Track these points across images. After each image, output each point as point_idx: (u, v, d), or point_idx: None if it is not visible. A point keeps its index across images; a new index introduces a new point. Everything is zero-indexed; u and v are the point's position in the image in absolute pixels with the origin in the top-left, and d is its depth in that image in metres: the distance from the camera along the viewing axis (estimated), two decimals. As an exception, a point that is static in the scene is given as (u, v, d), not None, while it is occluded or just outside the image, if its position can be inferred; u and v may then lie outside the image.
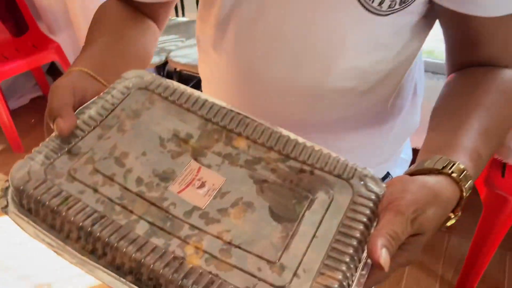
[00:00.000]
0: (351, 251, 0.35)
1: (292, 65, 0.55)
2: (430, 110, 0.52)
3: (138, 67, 0.48)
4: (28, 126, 2.10)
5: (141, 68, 0.47)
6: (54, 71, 2.31)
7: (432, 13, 0.52)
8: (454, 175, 0.39)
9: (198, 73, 0.70)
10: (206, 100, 0.44)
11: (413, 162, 0.45)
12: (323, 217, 0.38)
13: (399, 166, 0.71)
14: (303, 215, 0.38)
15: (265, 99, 0.59)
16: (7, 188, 0.37)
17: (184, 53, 1.77)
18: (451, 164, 0.39)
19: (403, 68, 0.59)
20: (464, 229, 1.34)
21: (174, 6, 0.65)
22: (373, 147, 0.65)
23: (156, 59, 1.75)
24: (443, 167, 0.39)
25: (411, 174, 0.41)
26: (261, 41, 0.55)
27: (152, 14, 0.62)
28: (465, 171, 0.39)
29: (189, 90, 0.45)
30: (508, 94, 0.49)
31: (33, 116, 2.16)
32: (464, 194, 0.39)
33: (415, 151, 0.60)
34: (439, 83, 1.35)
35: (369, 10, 0.49)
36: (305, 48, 0.53)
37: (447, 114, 0.49)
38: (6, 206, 0.37)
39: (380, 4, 0.48)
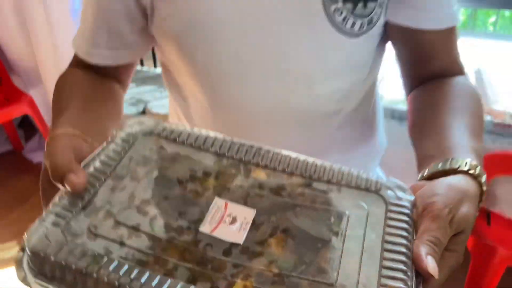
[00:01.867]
0: (403, 258, 0.34)
1: (277, 93, 0.56)
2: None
3: (115, 127, 0.46)
4: (-2, 181, 2.02)
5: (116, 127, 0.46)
6: (25, 125, 2.23)
7: (385, 35, 0.57)
8: (471, 171, 0.40)
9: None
10: (215, 137, 0.43)
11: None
12: (365, 231, 0.37)
13: None
14: (345, 233, 0.37)
15: (251, 129, 0.59)
16: (22, 257, 0.33)
17: (162, 103, 1.73)
18: (465, 162, 0.41)
19: (374, 85, 0.63)
20: (452, 282, 1.28)
21: (135, 67, 0.67)
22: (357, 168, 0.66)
23: (133, 110, 1.70)
24: (459, 166, 0.41)
25: (428, 178, 0.42)
26: (244, 73, 0.55)
27: (115, 76, 0.63)
28: (478, 167, 0.41)
29: (196, 129, 0.44)
30: (471, 95, 0.54)
31: (2, 171, 2.06)
32: (484, 188, 0.41)
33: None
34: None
35: (343, 32, 0.51)
36: (290, 74, 0.54)
37: (429, 122, 0.52)
38: (25, 277, 0.32)
39: (352, 26, 0.51)
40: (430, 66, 0.57)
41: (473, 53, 1.35)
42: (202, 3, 0.52)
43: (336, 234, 0.37)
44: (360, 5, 0.50)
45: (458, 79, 0.56)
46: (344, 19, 0.50)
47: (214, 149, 0.42)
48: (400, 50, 0.59)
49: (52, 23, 1.76)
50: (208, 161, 0.42)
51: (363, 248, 0.36)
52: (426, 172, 0.43)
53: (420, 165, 0.47)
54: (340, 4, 0.50)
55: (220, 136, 0.43)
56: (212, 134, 0.44)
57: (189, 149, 0.42)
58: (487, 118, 1.04)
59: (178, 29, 0.54)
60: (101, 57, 0.60)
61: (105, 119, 0.53)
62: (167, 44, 0.58)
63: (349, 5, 0.50)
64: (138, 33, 0.59)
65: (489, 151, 1.02)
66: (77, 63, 0.62)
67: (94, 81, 0.60)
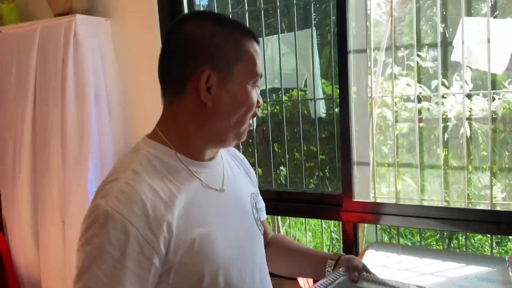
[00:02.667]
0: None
1: (249, 261, 0.91)
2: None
3: None
4: None
5: None
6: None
7: None
8: (343, 254, 0.99)
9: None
10: None
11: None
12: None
13: None
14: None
15: None
16: None
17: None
18: (339, 253, 1.00)
19: None
20: None
21: None
22: None
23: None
24: (339, 255, 0.99)
25: (336, 261, 0.98)
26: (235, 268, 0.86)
27: None
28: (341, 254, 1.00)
29: None
30: (288, 237, 1.17)
31: None
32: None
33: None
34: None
35: (260, 231, 0.99)
36: (254, 257, 0.93)
37: (297, 257, 1.07)
38: None
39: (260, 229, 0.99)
40: (268, 235, 1.13)
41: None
42: (216, 253, 0.81)
43: None
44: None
45: (278, 234, 1.16)
46: (259, 228, 0.98)
47: None
48: None
49: (68, 247, 1.97)
50: None
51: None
52: (328, 268, 0.97)
53: (316, 271, 1.00)
54: (258, 232, 0.99)
55: None
56: None
57: None
58: None
59: (200, 273, 0.79)
60: None
61: None
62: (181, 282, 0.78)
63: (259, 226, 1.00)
64: None
65: None
66: None
67: None
